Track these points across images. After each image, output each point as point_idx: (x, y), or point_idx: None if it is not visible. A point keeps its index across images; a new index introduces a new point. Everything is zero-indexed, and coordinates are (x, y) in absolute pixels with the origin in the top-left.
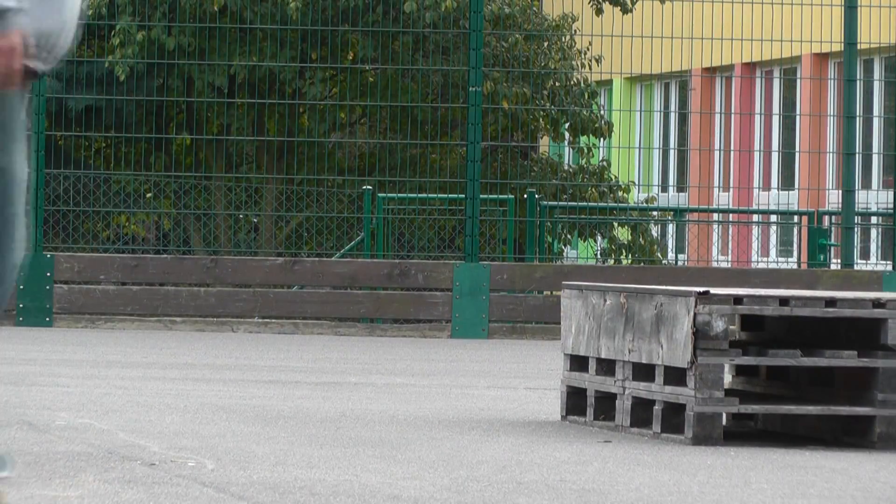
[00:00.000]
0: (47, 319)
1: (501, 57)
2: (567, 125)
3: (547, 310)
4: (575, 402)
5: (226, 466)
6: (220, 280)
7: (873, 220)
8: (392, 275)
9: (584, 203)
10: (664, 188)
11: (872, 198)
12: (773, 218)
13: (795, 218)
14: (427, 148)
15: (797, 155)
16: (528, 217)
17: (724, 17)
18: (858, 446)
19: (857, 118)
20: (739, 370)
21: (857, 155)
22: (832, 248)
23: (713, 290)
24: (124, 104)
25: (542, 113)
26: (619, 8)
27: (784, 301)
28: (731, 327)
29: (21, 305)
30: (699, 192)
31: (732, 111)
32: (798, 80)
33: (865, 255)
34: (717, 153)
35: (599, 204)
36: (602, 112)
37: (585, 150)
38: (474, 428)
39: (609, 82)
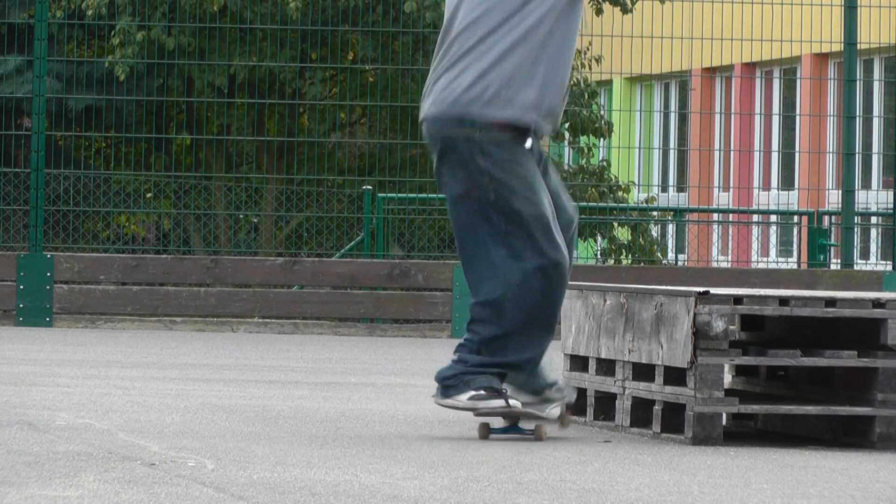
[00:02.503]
0: (47, 319)
1: None
2: (567, 125)
3: None
4: (575, 401)
5: (226, 466)
6: (220, 280)
7: (873, 220)
8: (392, 275)
9: (584, 203)
10: (664, 188)
11: (872, 198)
12: (773, 218)
13: (795, 218)
14: (427, 148)
15: (797, 155)
16: None
17: (724, 17)
18: (858, 446)
19: (857, 118)
20: (739, 370)
21: (857, 155)
22: (832, 248)
23: (713, 290)
24: (124, 104)
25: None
26: (619, 8)
27: (784, 301)
28: (731, 327)
29: (21, 305)
30: (699, 192)
31: (732, 111)
32: (798, 80)
33: (865, 255)
34: (717, 153)
35: (599, 204)
36: (602, 112)
37: (585, 150)
38: (474, 428)
39: (609, 82)
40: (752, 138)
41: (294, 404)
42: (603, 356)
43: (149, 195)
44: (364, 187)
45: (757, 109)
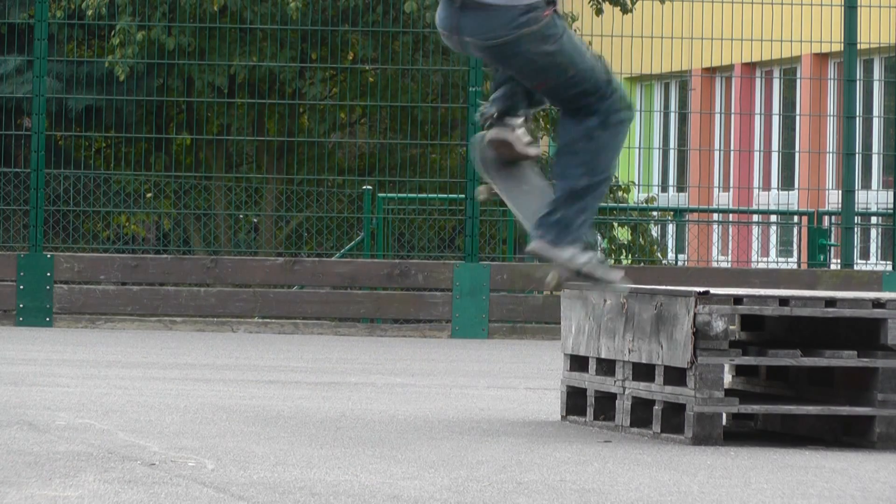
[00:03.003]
0: (47, 319)
1: None
2: None
3: (547, 310)
4: (575, 402)
5: (226, 466)
6: (220, 280)
7: (873, 220)
8: (392, 275)
9: None
10: (664, 188)
11: (872, 198)
12: (773, 218)
13: (795, 218)
14: (427, 148)
15: (797, 155)
16: None
17: (724, 17)
18: (858, 446)
19: (857, 118)
20: (739, 370)
21: (857, 155)
22: (832, 248)
23: (713, 290)
24: (124, 104)
25: (542, 113)
26: (619, 8)
27: (784, 301)
28: (731, 327)
29: (21, 305)
30: (699, 192)
31: (732, 111)
32: (798, 80)
33: (865, 255)
34: (717, 153)
35: (599, 204)
36: None
37: None
38: (474, 428)
39: None
40: (752, 138)
41: (294, 404)
42: (603, 356)
43: (149, 195)
44: (364, 187)
45: (757, 109)
